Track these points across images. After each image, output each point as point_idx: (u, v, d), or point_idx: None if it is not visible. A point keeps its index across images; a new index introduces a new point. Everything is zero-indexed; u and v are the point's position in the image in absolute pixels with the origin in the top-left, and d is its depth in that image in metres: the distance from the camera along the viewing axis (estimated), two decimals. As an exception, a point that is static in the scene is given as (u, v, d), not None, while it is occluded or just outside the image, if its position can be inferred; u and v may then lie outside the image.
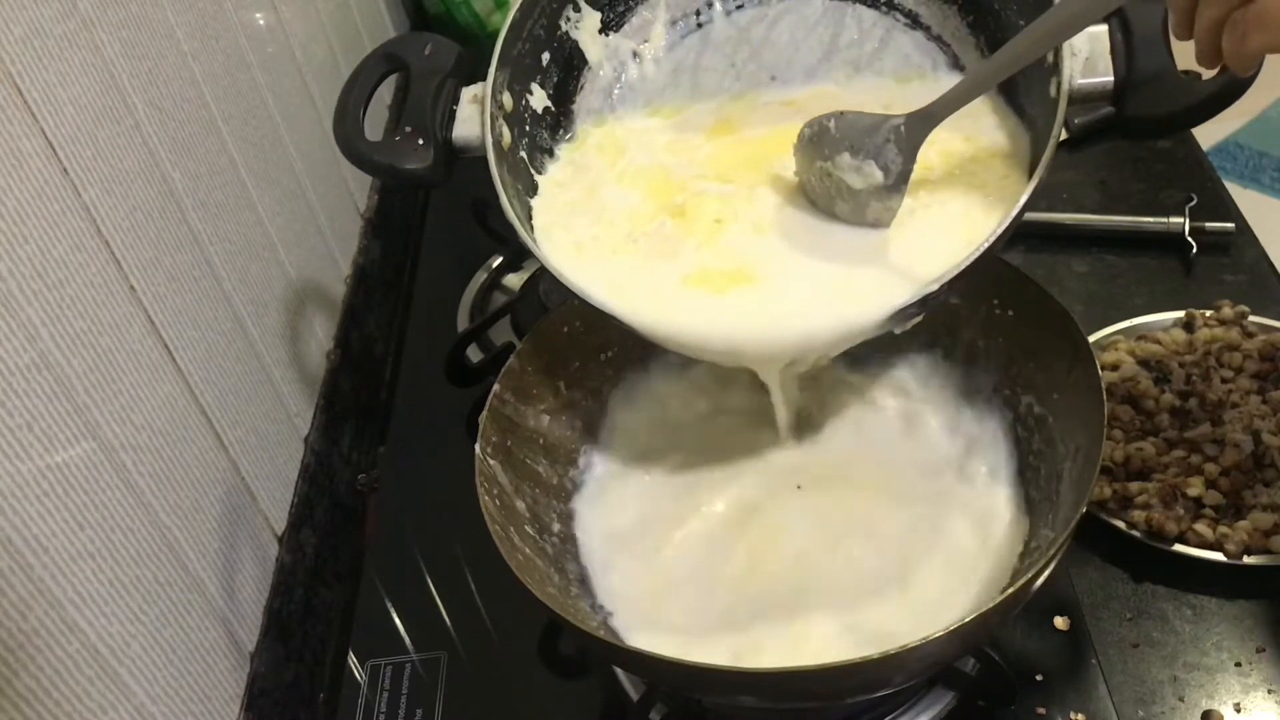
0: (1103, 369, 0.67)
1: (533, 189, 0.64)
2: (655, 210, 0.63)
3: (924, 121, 0.58)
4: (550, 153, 0.66)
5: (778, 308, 0.58)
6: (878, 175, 0.58)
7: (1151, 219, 0.92)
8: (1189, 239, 0.90)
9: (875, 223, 0.60)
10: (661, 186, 0.64)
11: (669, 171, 0.65)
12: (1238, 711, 0.63)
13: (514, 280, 0.98)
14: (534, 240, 0.60)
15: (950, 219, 0.58)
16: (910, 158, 0.58)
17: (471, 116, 0.63)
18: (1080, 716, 0.62)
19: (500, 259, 0.99)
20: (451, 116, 0.63)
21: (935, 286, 0.52)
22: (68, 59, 0.59)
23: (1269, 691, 0.63)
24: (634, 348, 0.72)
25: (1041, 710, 0.62)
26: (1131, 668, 0.65)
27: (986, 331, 0.68)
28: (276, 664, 0.72)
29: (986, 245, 0.52)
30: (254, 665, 0.70)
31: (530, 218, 0.63)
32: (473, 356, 0.89)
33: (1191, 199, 0.92)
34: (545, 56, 0.65)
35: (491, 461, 0.61)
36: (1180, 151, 1.00)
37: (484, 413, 0.63)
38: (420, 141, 0.62)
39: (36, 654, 0.50)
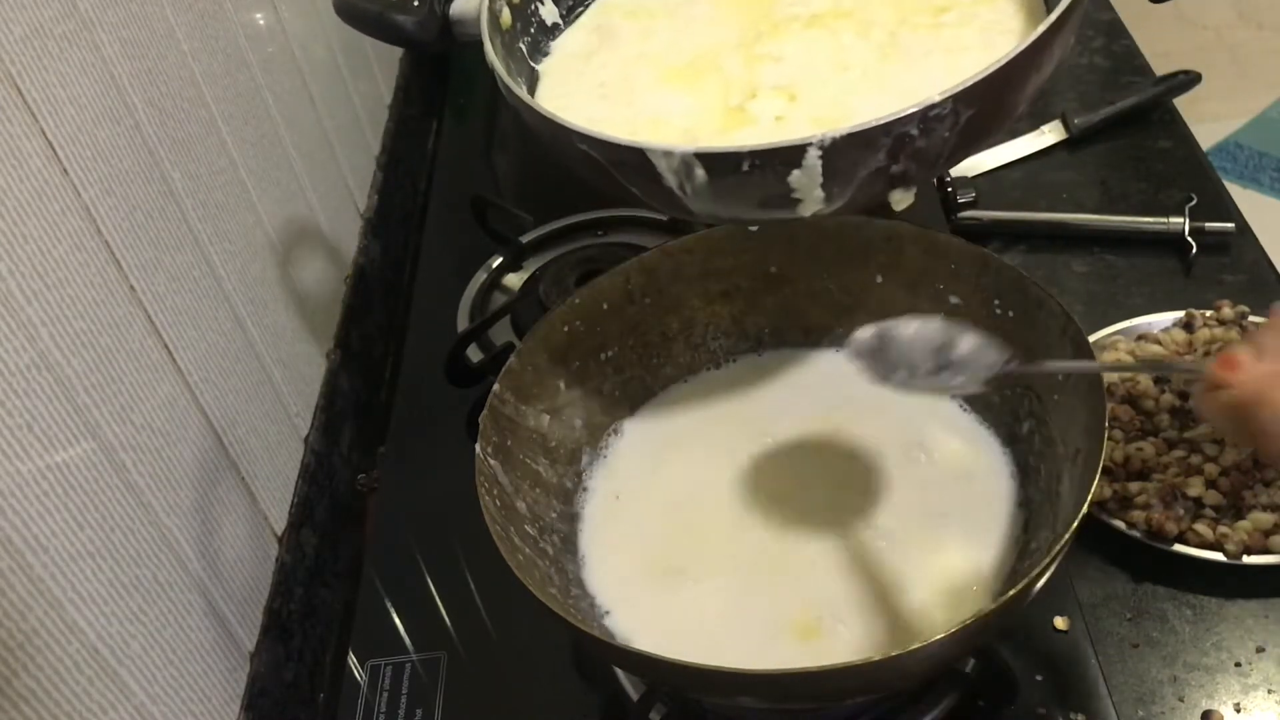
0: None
1: (534, 81, 0.61)
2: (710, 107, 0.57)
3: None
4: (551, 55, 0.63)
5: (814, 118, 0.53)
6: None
7: (1151, 219, 0.92)
8: (1189, 239, 0.90)
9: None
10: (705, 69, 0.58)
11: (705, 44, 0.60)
12: (1238, 711, 0.63)
13: (514, 280, 0.98)
14: (522, 91, 0.55)
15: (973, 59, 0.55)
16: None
17: None
18: (1080, 716, 0.62)
19: (500, 259, 0.99)
20: None
21: (966, 85, 0.47)
22: (68, 59, 0.59)
23: (1269, 691, 0.63)
24: (635, 346, 0.72)
25: (1041, 710, 0.62)
26: (1131, 668, 0.65)
27: (986, 331, 0.68)
28: (276, 664, 0.72)
29: (1006, 61, 0.48)
30: (254, 665, 0.70)
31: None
32: (473, 356, 0.89)
33: (1191, 199, 0.92)
34: None
35: (491, 461, 0.61)
36: (1180, 151, 1.00)
37: (484, 413, 0.63)
38: (416, 3, 0.60)
39: (36, 654, 0.50)
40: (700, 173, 0.48)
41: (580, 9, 0.64)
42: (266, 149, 0.85)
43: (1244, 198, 0.98)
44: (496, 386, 0.64)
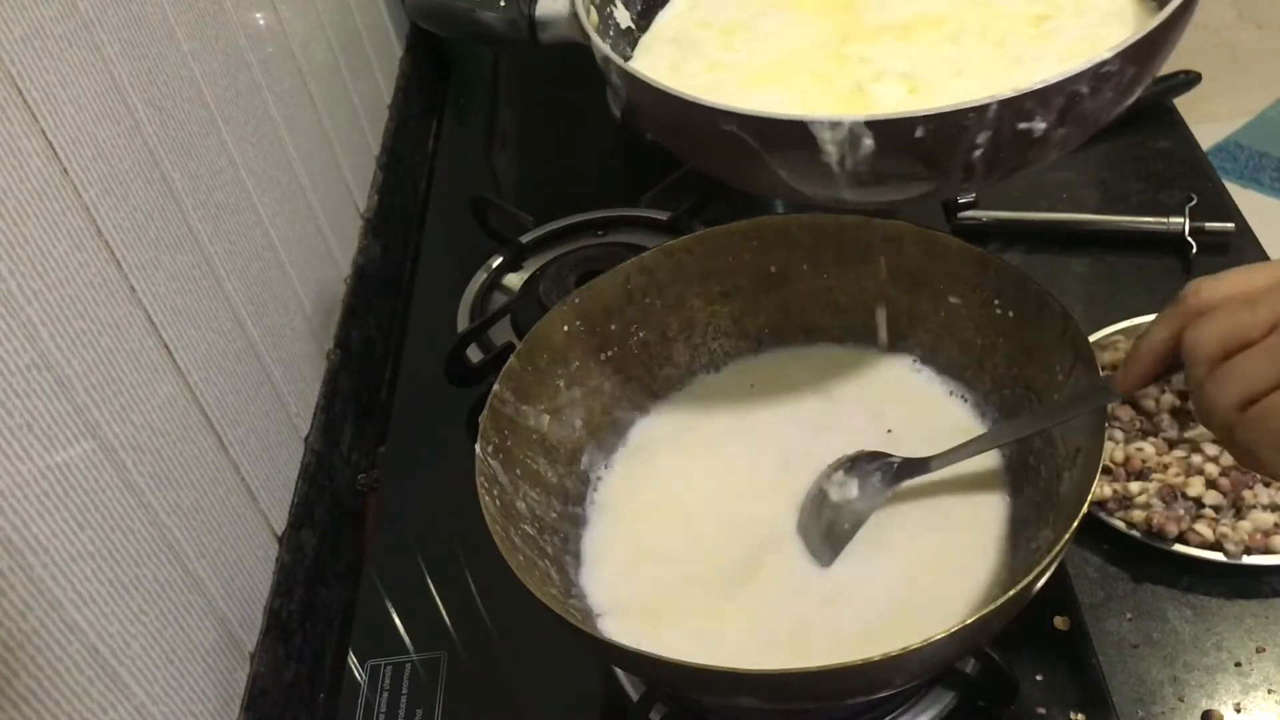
0: (1103, 369, 0.67)
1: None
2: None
3: (914, 467, 0.63)
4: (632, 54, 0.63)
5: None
6: (853, 490, 0.63)
7: (1151, 219, 0.92)
8: (1189, 239, 0.90)
9: (829, 544, 0.63)
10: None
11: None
12: (1238, 711, 0.63)
13: (514, 280, 0.98)
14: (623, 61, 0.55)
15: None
16: (883, 492, 0.63)
17: None
18: (1080, 716, 0.62)
19: (500, 259, 0.99)
20: None
21: (1132, 42, 0.45)
22: (68, 59, 0.59)
23: (1269, 691, 0.63)
24: (635, 347, 0.72)
25: (1041, 710, 0.62)
26: (1131, 668, 0.65)
27: (986, 331, 0.68)
28: (276, 664, 0.72)
29: (1166, 17, 0.46)
30: (254, 665, 0.70)
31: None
32: (473, 356, 0.89)
33: (1191, 199, 0.92)
34: None
35: (492, 461, 0.61)
36: (1180, 151, 1.00)
37: (484, 413, 0.63)
38: (503, 3, 0.59)
39: (36, 654, 0.50)
40: (868, 143, 0.46)
41: (650, 16, 0.64)
42: (266, 149, 0.85)
43: (1244, 198, 0.98)
44: (496, 386, 0.64)
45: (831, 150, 0.47)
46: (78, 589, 0.54)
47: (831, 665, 0.49)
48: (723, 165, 0.54)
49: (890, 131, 0.46)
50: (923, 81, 0.55)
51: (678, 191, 1.01)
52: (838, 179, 0.48)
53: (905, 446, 0.69)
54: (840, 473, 0.65)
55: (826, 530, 0.64)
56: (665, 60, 0.63)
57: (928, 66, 0.57)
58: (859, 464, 0.65)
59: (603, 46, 0.55)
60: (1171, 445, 0.73)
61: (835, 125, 0.46)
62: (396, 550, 0.79)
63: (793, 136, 0.47)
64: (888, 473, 0.64)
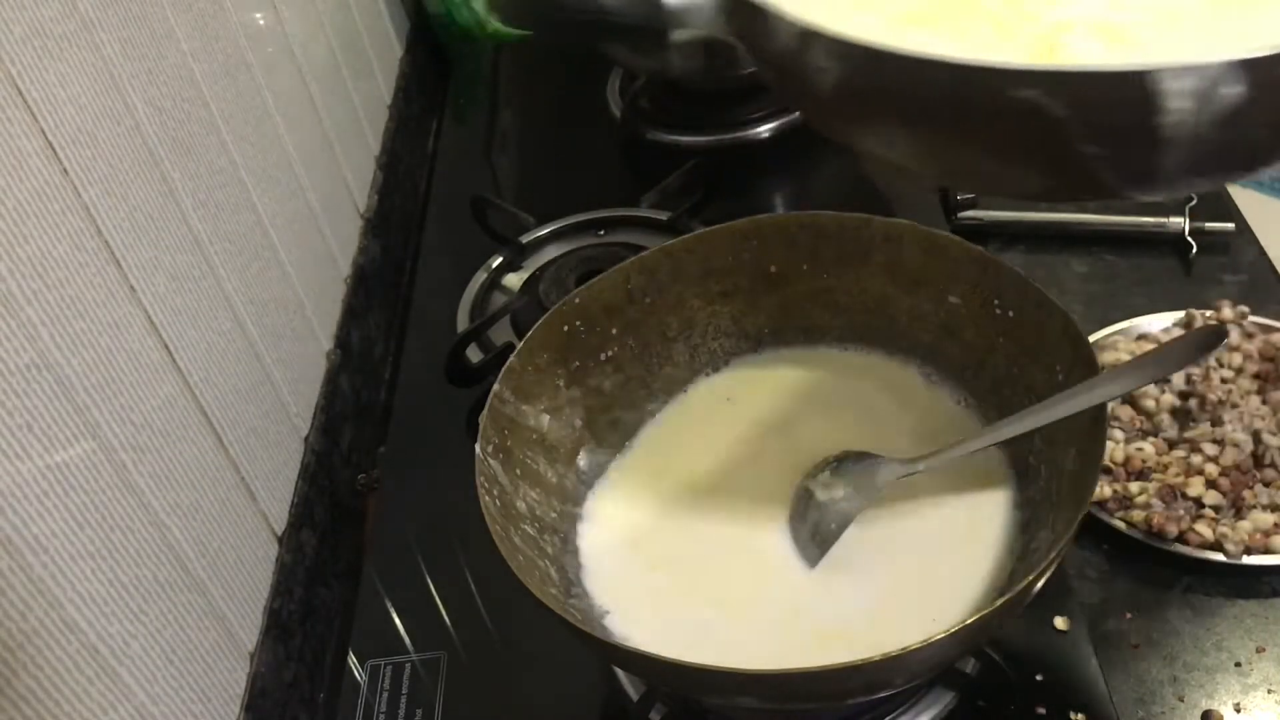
0: (1103, 369, 0.67)
1: None
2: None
3: (901, 468, 0.63)
4: None
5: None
6: (839, 490, 0.64)
7: (1151, 219, 0.92)
8: (1189, 239, 0.90)
9: (815, 544, 0.63)
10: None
11: None
12: (1238, 711, 0.63)
13: (514, 280, 0.98)
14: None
15: None
16: (870, 492, 0.63)
17: None
18: (1080, 716, 0.62)
19: (500, 259, 0.99)
20: None
21: None
22: (68, 59, 0.59)
23: (1269, 691, 0.63)
24: (635, 346, 0.72)
25: (1041, 710, 0.62)
26: (1131, 668, 0.65)
27: (986, 331, 0.68)
28: (276, 664, 0.72)
29: None
30: (254, 665, 0.70)
31: None
32: (473, 356, 0.89)
33: (1191, 199, 0.92)
34: None
35: (492, 461, 0.61)
36: (1180, 151, 1.00)
37: (484, 413, 0.63)
38: None
39: (36, 654, 0.50)
40: (1234, 92, 0.36)
41: None
42: (266, 149, 0.85)
43: (1244, 198, 0.98)
44: (496, 386, 0.64)
45: (1177, 109, 0.37)
46: (78, 589, 0.53)
47: (831, 665, 0.49)
48: (985, 155, 0.43)
49: (1270, 73, 0.35)
50: (1126, 34, 0.44)
51: (678, 191, 1.01)
52: (1165, 154, 0.38)
53: (903, 447, 0.69)
54: (826, 473, 0.65)
55: (813, 530, 0.64)
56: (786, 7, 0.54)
57: (1126, 14, 0.46)
58: (845, 463, 0.65)
59: (797, 16, 0.45)
60: (1171, 445, 0.73)
61: (1188, 72, 0.35)
62: (396, 550, 0.79)
63: (1123, 96, 0.37)
64: (874, 473, 0.64)
